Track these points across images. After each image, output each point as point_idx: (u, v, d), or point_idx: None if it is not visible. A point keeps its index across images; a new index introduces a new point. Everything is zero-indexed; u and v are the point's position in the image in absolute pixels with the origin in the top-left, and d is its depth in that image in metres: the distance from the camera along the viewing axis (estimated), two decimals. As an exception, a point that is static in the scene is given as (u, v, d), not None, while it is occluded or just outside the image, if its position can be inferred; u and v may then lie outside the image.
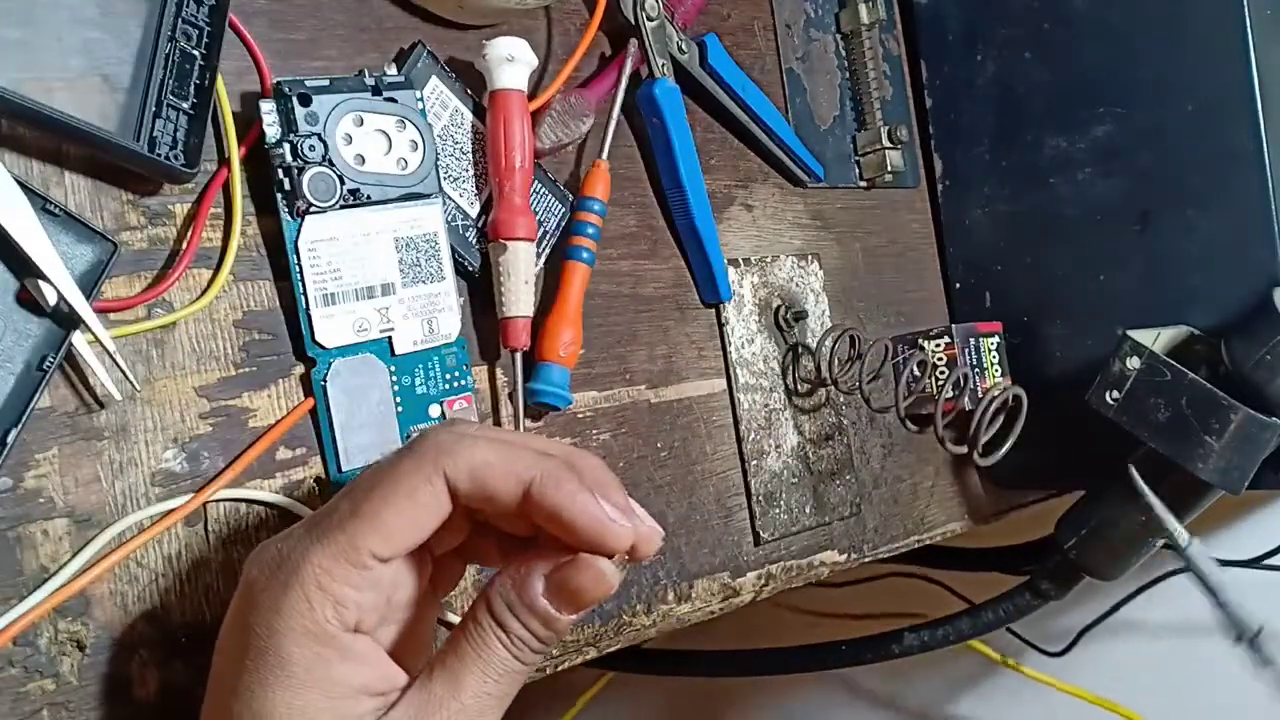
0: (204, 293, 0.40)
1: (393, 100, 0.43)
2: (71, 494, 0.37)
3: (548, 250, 0.50)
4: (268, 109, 0.40)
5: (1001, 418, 0.55)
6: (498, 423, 0.48)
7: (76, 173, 0.38)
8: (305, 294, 0.41)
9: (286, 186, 0.41)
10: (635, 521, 0.35)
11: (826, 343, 0.59)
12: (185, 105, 0.38)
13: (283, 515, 0.41)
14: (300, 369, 0.42)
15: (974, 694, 0.99)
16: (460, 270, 0.47)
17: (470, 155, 0.47)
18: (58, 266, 0.35)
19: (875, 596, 0.94)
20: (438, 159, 0.45)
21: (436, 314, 0.45)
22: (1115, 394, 0.56)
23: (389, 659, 0.35)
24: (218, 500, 0.40)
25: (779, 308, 0.60)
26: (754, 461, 0.57)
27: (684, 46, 0.55)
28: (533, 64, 0.46)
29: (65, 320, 0.36)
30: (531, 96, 0.47)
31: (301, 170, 0.41)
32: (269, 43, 0.43)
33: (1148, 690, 0.83)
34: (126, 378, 0.37)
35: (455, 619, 0.45)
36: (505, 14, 0.50)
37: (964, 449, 0.56)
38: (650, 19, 0.53)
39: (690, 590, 0.54)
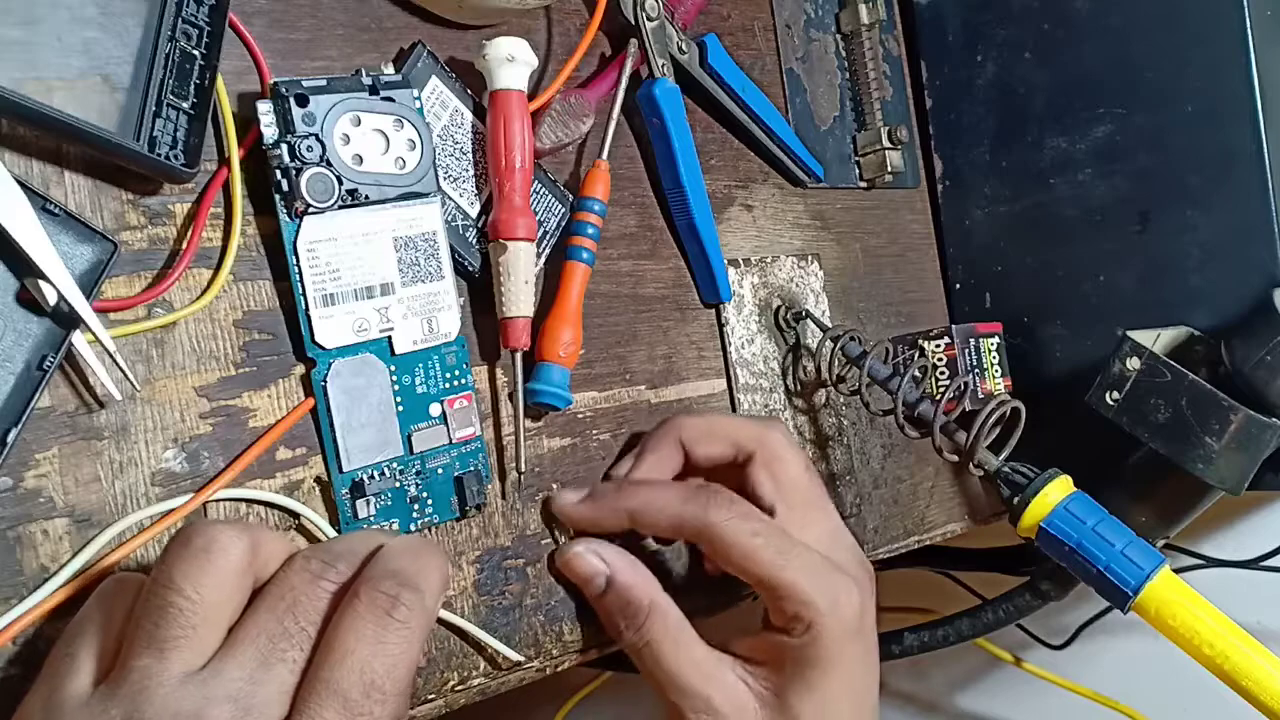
0: (204, 293, 0.40)
1: (390, 100, 0.43)
2: (71, 494, 0.37)
3: (548, 250, 0.50)
4: (265, 110, 0.40)
5: (999, 429, 0.55)
6: (497, 423, 0.48)
7: (76, 173, 0.38)
8: (304, 295, 0.41)
9: (284, 187, 0.41)
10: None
11: (827, 345, 0.59)
12: (185, 105, 0.38)
13: (283, 515, 0.41)
14: (300, 369, 0.42)
15: (979, 689, 0.99)
16: (460, 270, 0.47)
17: (470, 155, 0.47)
18: (58, 266, 0.35)
19: (883, 588, 0.94)
20: (436, 158, 0.45)
21: (436, 313, 0.45)
22: (1115, 394, 0.56)
23: None
24: (218, 500, 0.40)
25: (779, 308, 0.60)
26: (754, 461, 0.57)
27: (684, 46, 0.55)
28: (533, 64, 0.46)
29: (65, 320, 0.36)
30: (531, 96, 0.47)
31: (299, 171, 0.41)
32: (269, 43, 0.43)
33: (1148, 687, 0.83)
34: (126, 377, 0.37)
35: (450, 617, 0.45)
36: (505, 14, 0.50)
37: (958, 459, 0.56)
38: (650, 19, 0.53)
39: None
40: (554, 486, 0.49)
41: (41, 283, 0.35)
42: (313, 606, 0.33)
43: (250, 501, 0.40)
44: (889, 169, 0.66)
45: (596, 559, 0.46)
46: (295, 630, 0.33)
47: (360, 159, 0.42)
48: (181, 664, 0.31)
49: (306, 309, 0.41)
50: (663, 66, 0.54)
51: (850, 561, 0.47)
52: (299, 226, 0.41)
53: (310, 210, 0.41)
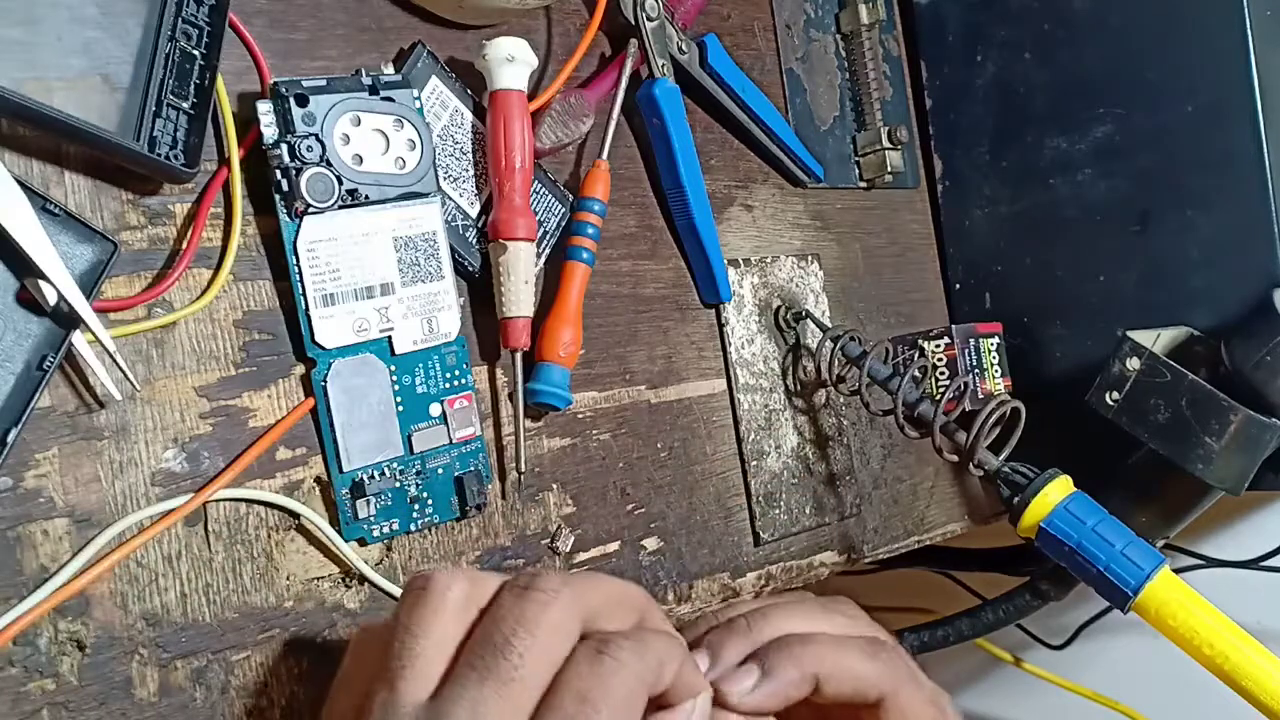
0: (204, 292, 0.40)
1: (390, 100, 0.43)
2: (71, 494, 0.37)
3: (548, 250, 0.50)
4: (265, 110, 0.40)
5: (999, 429, 0.55)
6: (497, 423, 0.48)
7: (76, 173, 0.38)
8: (304, 295, 0.41)
9: (284, 187, 0.41)
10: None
11: (827, 345, 0.59)
12: (185, 105, 0.38)
13: (283, 515, 0.41)
14: (300, 369, 0.42)
15: (979, 689, 0.99)
16: (460, 270, 0.47)
17: (470, 155, 0.47)
18: (58, 266, 0.35)
19: (883, 588, 0.94)
20: (436, 158, 0.45)
21: (436, 313, 0.45)
22: (1115, 395, 0.56)
23: None
24: (218, 500, 0.40)
25: (779, 308, 0.60)
26: (754, 462, 0.57)
27: (684, 47, 0.55)
28: (533, 64, 0.46)
29: (65, 320, 0.36)
30: (531, 96, 0.47)
31: (299, 171, 0.41)
32: (269, 43, 0.43)
33: (1148, 687, 0.83)
34: (126, 377, 0.37)
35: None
36: (505, 14, 0.50)
37: (958, 458, 0.56)
38: (650, 19, 0.53)
39: (690, 591, 0.54)
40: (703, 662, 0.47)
41: (41, 283, 0.35)
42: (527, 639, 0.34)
43: (250, 501, 0.40)
44: (889, 169, 0.66)
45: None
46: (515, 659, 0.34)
47: (360, 159, 0.42)
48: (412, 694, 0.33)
49: (306, 309, 0.41)
50: (663, 66, 0.54)
51: None
52: (299, 226, 0.41)
53: (310, 210, 0.41)
